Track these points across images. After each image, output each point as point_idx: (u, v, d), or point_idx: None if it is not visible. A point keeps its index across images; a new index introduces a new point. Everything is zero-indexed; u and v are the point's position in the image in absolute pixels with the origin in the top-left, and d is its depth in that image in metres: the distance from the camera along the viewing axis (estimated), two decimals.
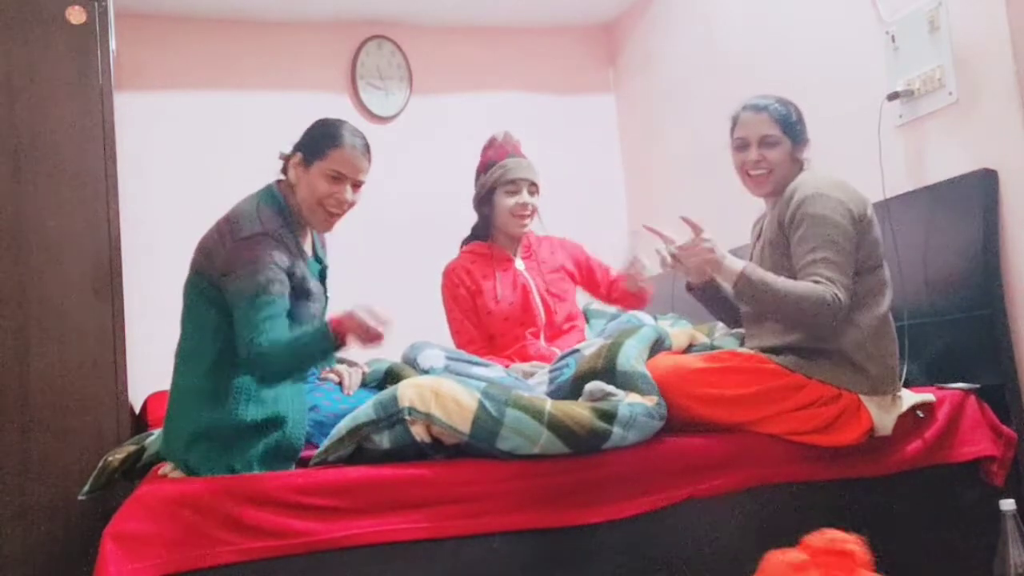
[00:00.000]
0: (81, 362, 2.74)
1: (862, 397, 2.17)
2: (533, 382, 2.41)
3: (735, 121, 2.39)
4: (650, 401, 2.09)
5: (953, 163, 2.55)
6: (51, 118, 2.81)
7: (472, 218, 2.95)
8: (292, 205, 2.15)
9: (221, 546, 1.81)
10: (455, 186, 3.14)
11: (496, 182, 2.82)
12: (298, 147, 2.17)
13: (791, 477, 2.16)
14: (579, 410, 2.02)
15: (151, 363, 2.64)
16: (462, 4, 4.30)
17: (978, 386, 2.37)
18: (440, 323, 2.89)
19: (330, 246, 2.34)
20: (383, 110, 4.32)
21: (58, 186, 2.79)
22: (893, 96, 2.69)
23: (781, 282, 2.16)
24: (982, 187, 2.43)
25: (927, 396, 2.29)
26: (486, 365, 2.47)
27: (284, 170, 2.19)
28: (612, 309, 2.98)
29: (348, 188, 2.14)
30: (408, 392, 2.01)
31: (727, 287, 2.31)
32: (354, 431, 2.02)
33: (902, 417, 2.21)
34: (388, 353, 2.33)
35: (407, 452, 2.01)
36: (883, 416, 2.18)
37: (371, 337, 1.94)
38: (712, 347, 2.52)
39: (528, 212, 2.84)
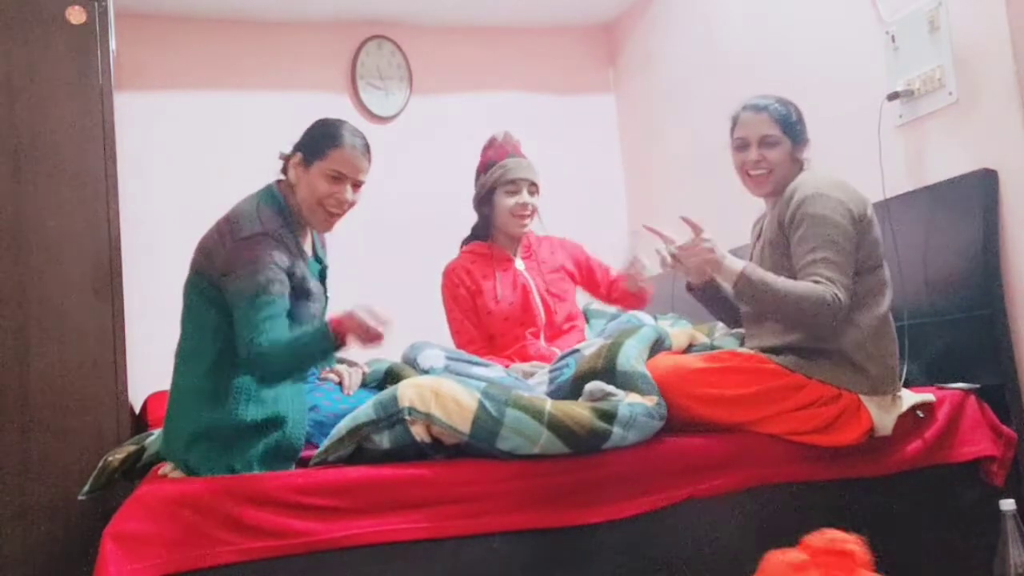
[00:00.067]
0: (81, 362, 2.74)
1: (862, 397, 2.17)
2: (533, 382, 2.41)
3: (735, 121, 2.39)
4: (650, 401, 2.09)
5: (953, 163, 2.55)
6: (51, 118, 2.81)
7: (472, 218, 2.95)
8: (292, 205, 2.15)
9: (221, 546, 1.81)
10: (455, 186, 3.14)
11: (496, 182, 2.82)
12: (298, 147, 2.17)
13: (791, 477, 2.16)
14: (579, 410, 2.02)
15: (151, 363, 2.64)
16: (462, 4, 4.30)
17: (978, 386, 2.37)
18: (440, 323, 2.89)
19: (330, 246, 2.34)
20: (383, 110, 4.32)
21: (58, 186, 2.79)
22: (893, 96, 2.69)
23: (781, 282, 2.16)
24: (982, 187, 2.43)
25: (927, 396, 2.29)
26: (486, 365, 2.47)
27: (284, 170, 2.19)
28: (612, 309, 2.98)
29: (348, 188, 2.14)
30: (408, 392, 2.01)
31: (727, 287, 2.31)
32: (354, 431, 2.02)
33: (902, 417, 2.21)
34: (388, 353, 2.33)
35: (407, 452, 2.01)
36: (883, 416, 2.18)
37: (371, 337, 1.94)
38: (712, 347, 2.52)
39: (528, 212, 2.84)
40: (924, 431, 2.27)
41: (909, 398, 2.25)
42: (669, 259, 2.29)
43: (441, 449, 2.03)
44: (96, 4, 2.88)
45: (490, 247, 2.89)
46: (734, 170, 2.40)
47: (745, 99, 2.39)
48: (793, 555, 1.65)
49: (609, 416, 2.01)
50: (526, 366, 2.59)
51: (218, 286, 2.02)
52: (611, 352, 2.24)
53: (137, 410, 3.08)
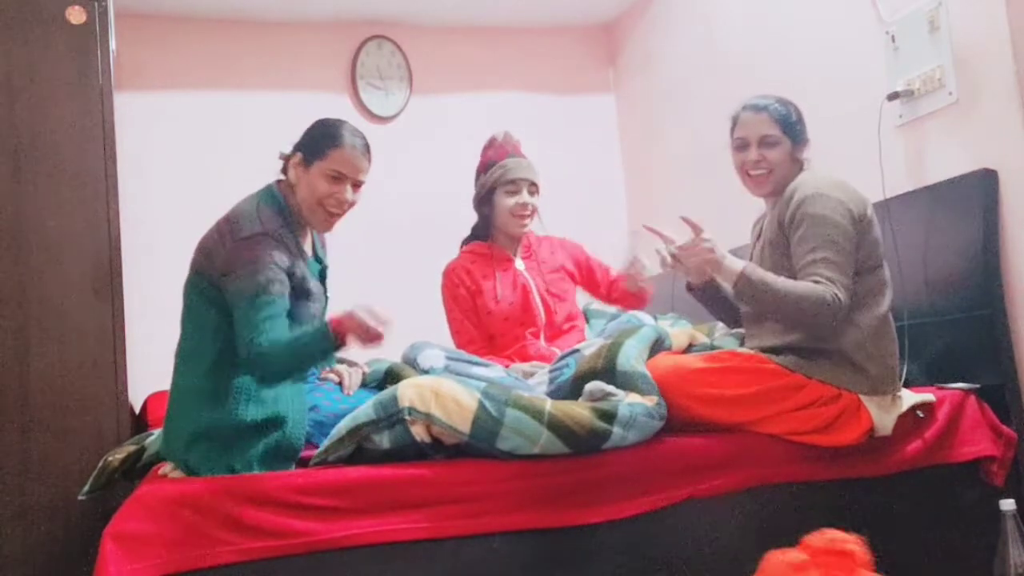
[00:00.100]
0: (81, 362, 2.74)
1: (862, 397, 2.17)
2: (533, 382, 2.41)
3: (735, 121, 2.39)
4: (650, 401, 2.09)
5: (953, 163, 2.55)
6: (51, 118, 2.81)
7: (472, 218, 2.95)
8: (292, 205, 2.15)
9: (221, 546, 1.81)
10: (455, 186, 3.14)
11: (496, 182, 2.82)
12: (298, 147, 2.17)
13: (791, 477, 2.16)
14: (579, 410, 2.02)
15: (151, 363, 2.64)
16: (462, 4, 4.30)
17: (978, 386, 2.37)
18: (440, 323, 2.89)
19: (330, 246, 2.34)
20: (383, 110, 4.32)
21: (58, 186, 2.79)
22: (893, 96, 2.69)
23: (781, 282, 2.16)
24: (982, 187, 2.43)
25: (927, 396, 2.29)
26: (486, 365, 2.47)
27: (284, 170, 2.19)
28: (612, 309, 2.98)
29: (348, 188, 2.14)
30: (408, 392, 2.01)
31: (727, 287, 2.31)
32: (354, 431, 2.02)
33: (902, 417, 2.21)
34: (388, 353, 2.33)
35: (407, 452, 2.01)
36: (883, 416, 2.18)
37: (371, 337, 1.94)
38: (712, 347, 2.52)
39: (528, 212, 2.84)
40: (924, 431, 2.27)
41: (909, 398, 2.25)
42: (669, 259, 2.29)
43: (441, 449, 2.03)
44: (96, 4, 2.88)
45: (490, 247, 2.89)
46: (734, 170, 2.40)
47: (745, 99, 2.39)
48: (793, 555, 1.65)
49: (609, 416, 2.01)
50: (526, 366, 2.59)
51: (218, 286, 2.02)
52: (611, 352, 2.24)
53: (137, 410, 3.08)
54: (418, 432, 1.99)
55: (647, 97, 4.41)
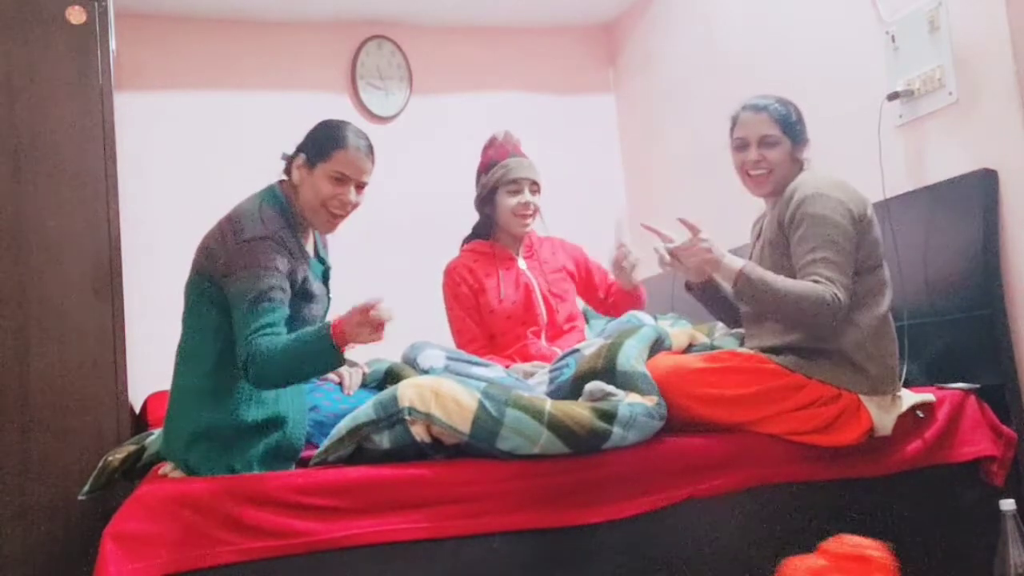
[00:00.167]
0: (81, 362, 2.74)
1: (862, 397, 2.17)
2: (533, 382, 2.41)
3: (735, 121, 2.39)
4: (650, 401, 2.09)
5: (953, 163, 2.55)
6: (51, 118, 2.81)
7: (472, 218, 2.94)
8: (294, 206, 2.14)
9: (221, 546, 1.81)
10: (455, 186, 3.14)
11: (498, 182, 2.82)
12: (301, 148, 2.16)
13: (791, 477, 2.16)
14: (579, 410, 2.02)
15: (151, 363, 2.64)
16: (462, 4, 4.30)
17: (978, 386, 2.37)
18: (440, 323, 2.89)
19: (330, 246, 2.34)
20: (383, 110, 4.32)
21: (58, 186, 2.79)
22: (893, 96, 2.69)
23: (781, 281, 2.16)
24: (982, 187, 2.43)
25: (927, 396, 2.29)
26: (486, 365, 2.47)
27: (287, 171, 2.18)
28: None
29: (352, 189, 2.13)
30: (408, 392, 2.01)
31: (727, 286, 2.31)
32: (354, 431, 2.02)
33: (902, 417, 2.21)
34: (388, 353, 2.33)
35: (407, 452, 2.01)
36: (883, 416, 2.18)
37: (375, 325, 1.87)
38: (712, 347, 2.52)
39: (530, 211, 2.84)
40: (924, 431, 2.27)
41: (909, 398, 2.25)
42: (667, 257, 2.29)
43: (441, 449, 2.03)
44: (96, 4, 2.88)
45: (492, 246, 2.89)
46: (734, 170, 2.40)
47: (745, 99, 2.39)
48: (812, 561, 1.62)
49: (609, 416, 2.01)
50: (527, 366, 2.59)
51: (219, 286, 2.02)
52: (611, 352, 2.24)
53: (137, 410, 3.08)
54: (418, 432, 1.99)
55: (647, 97, 4.41)
